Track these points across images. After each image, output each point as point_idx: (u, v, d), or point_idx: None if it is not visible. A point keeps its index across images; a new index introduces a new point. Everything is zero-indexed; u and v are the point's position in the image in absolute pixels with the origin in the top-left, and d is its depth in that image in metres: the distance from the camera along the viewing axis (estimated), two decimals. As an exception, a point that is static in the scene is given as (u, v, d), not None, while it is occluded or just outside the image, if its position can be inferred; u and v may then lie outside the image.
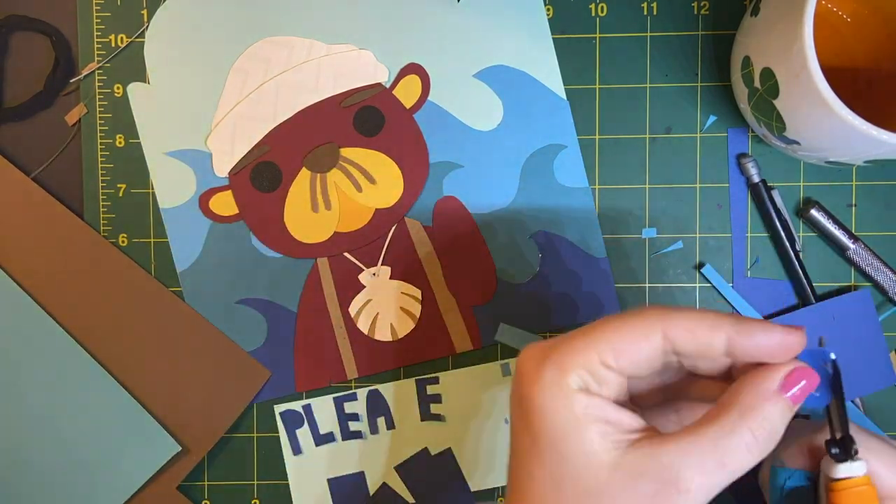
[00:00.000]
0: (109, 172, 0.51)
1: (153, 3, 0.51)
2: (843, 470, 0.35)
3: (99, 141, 0.51)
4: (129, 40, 0.51)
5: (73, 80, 0.51)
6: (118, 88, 0.51)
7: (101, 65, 0.51)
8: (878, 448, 0.36)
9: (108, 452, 0.50)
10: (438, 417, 0.51)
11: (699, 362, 0.33)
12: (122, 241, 0.51)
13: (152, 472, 0.50)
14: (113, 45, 0.51)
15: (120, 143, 0.51)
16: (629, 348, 0.31)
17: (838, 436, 0.35)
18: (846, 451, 0.35)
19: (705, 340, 0.31)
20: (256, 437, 0.52)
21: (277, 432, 0.52)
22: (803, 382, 0.32)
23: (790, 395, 0.32)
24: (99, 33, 0.51)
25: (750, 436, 0.31)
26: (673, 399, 0.36)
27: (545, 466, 0.31)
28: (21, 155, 0.51)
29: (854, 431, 0.36)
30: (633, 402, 0.35)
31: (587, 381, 0.31)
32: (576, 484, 0.31)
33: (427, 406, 0.51)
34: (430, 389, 0.51)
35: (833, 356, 0.35)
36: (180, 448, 0.51)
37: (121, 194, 0.51)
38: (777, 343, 0.32)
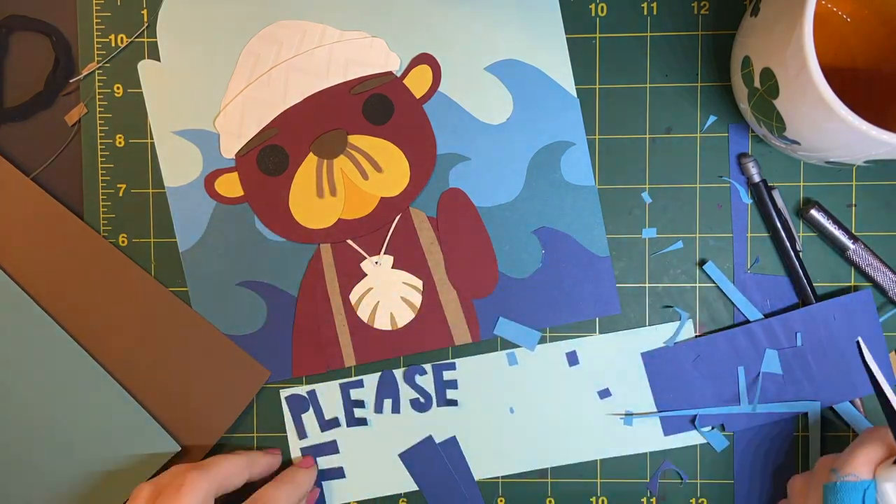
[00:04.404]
0: (109, 172, 0.51)
1: (153, 2, 0.51)
2: None
3: (99, 141, 0.51)
4: (129, 40, 0.51)
5: (73, 80, 0.51)
6: (118, 88, 0.51)
7: (101, 65, 0.51)
8: None
9: (108, 452, 0.51)
10: (454, 403, 0.51)
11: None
12: (122, 241, 0.51)
13: (152, 472, 0.50)
14: (113, 45, 0.51)
15: (120, 143, 0.51)
16: (234, 482, 0.47)
17: None
18: None
19: (247, 478, 0.49)
20: (256, 436, 0.52)
21: (277, 432, 0.52)
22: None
23: (304, 465, 0.52)
24: (99, 33, 0.51)
25: (272, 487, 0.48)
26: None
27: None
28: (21, 155, 0.51)
29: None
30: None
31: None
32: None
33: (443, 392, 0.51)
34: (448, 375, 0.51)
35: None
36: (180, 448, 0.51)
37: (121, 194, 0.51)
38: (269, 463, 0.51)
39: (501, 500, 0.52)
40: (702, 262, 0.50)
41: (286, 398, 0.52)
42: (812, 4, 0.37)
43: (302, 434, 0.52)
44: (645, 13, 0.50)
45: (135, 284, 0.51)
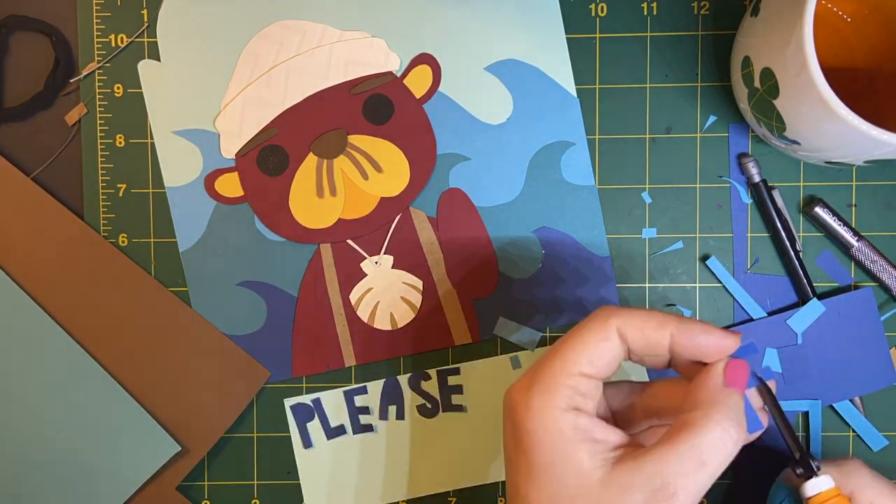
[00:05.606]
0: (109, 172, 0.51)
1: (153, 2, 0.51)
2: (811, 487, 0.38)
3: (99, 141, 0.51)
4: (129, 40, 0.51)
5: (73, 80, 0.51)
6: (118, 88, 0.51)
7: (101, 65, 0.51)
8: (856, 473, 0.40)
9: (108, 452, 0.50)
10: (461, 408, 0.51)
11: (646, 358, 0.36)
12: (122, 241, 0.51)
13: (152, 472, 0.50)
14: (113, 45, 0.51)
15: (120, 143, 0.51)
16: (597, 350, 0.34)
17: (796, 456, 0.38)
18: (807, 468, 0.38)
19: (653, 337, 0.35)
20: (256, 437, 0.52)
21: (277, 432, 0.52)
22: (741, 373, 0.35)
23: (736, 385, 0.35)
24: (99, 33, 0.51)
25: (720, 429, 0.33)
26: (643, 418, 0.39)
27: (542, 490, 0.34)
28: (21, 155, 0.51)
29: (835, 462, 0.41)
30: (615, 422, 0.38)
31: (572, 397, 0.34)
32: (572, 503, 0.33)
33: (448, 397, 0.51)
34: (452, 380, 0.51)
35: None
36: (180, 448, 0.51)
37: (121, 194, 0.51)
38: (714, 344, 0.35)
39: (501, 500, 0.52)
40: (705, 257, 0.50)
41: (291, 407, 0.51)
42: (812, 4, 0.37)
43: (307, 443, 0.52)
44: (645, 13, 0.50)
45: (135, 284, 0.51)
